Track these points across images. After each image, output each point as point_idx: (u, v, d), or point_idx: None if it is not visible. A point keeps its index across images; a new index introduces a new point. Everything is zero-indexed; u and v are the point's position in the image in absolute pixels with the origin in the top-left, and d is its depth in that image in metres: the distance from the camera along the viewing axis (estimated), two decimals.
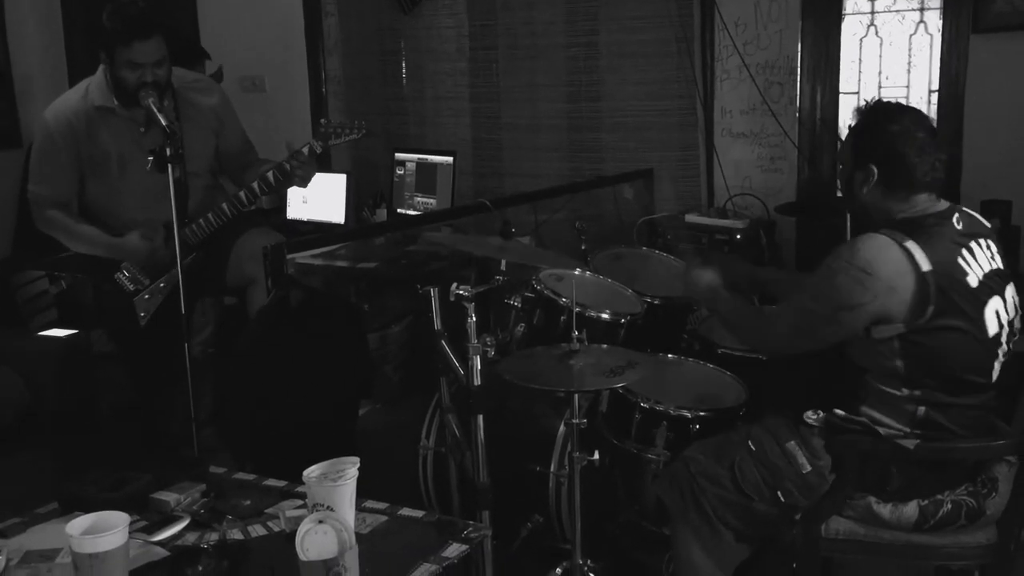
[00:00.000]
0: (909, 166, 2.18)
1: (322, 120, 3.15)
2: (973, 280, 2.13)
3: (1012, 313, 2.22)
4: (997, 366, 2.20)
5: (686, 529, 2.29)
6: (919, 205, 2.21)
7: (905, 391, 2.15)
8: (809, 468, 2.20)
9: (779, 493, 2.20)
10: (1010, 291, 2.23)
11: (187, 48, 4.61)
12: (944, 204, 2.24)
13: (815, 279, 2.22)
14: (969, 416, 2.18)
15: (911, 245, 2.09)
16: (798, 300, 2.28)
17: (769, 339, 2.40)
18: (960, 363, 2.15)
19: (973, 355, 2.16)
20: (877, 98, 2.46)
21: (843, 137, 2.40)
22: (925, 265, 2.08)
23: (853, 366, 2.22)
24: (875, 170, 2.20)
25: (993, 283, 2.17)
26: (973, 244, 2.17)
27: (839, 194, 2.49)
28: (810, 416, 2.26)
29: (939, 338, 2.10)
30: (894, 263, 2.08)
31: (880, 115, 2.25)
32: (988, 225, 2.30)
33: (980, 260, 2.16)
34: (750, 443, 2.27)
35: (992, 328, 2.16)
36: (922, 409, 2.14)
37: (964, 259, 2.14)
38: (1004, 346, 2.20)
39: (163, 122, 2.79)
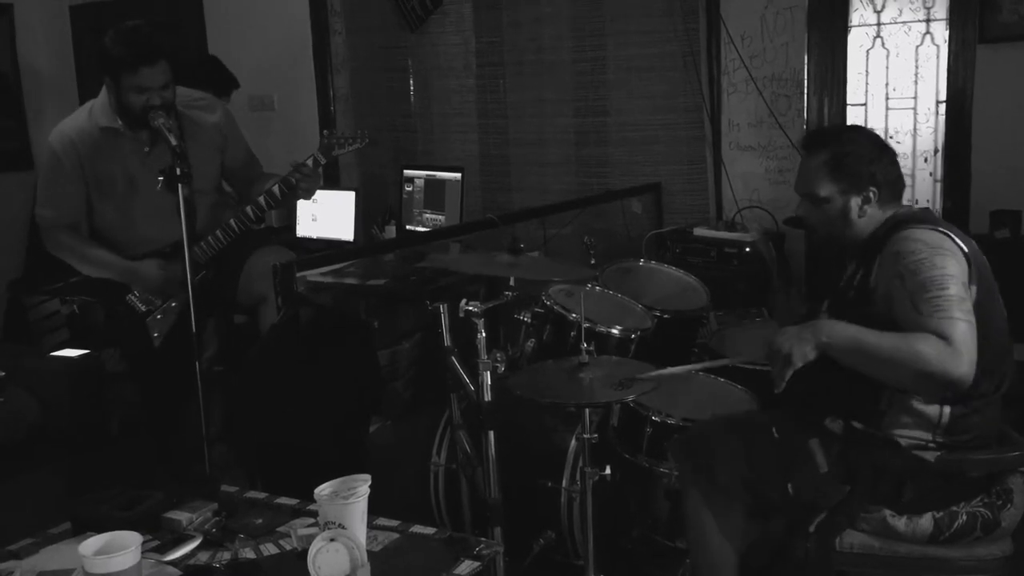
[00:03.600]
0: (894, 176, 2.25)
1: (325, 131, 3.16)
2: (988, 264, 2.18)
3: None
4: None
5: (697, 497, 2.29)
6: (901, 205, 2.27)
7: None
8: (825, 469, 2.19)
9: (789, 485, 2.20)
10: None
11: (219, 77, 4.64)
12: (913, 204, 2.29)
13: (919, 278, 2.02)
14: (988, 414, 2.17)
15: (944, 229, 2.13)
16: (933, 301, 1.98)
17: (964, 355, 1.95)
18: (997, 348, 2.16)
19: (1003, 339, 2.19)
20: (813, 130, 2.43)
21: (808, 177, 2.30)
22: (964, 246, 2.12)
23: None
24: (874, 190, 2.22)
25: None
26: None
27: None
28: (830, 423, 2.26)
29: (984, 321, 2.10)
30: (949, 243, 2.10)
31: (846, 140, 2.25)
32: None
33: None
34: (774, 429, 2.27)
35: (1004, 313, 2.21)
36: (947, 411, 2.13)
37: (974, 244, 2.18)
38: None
39: (173, 142, 2.80)
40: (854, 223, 2.25)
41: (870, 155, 2.23)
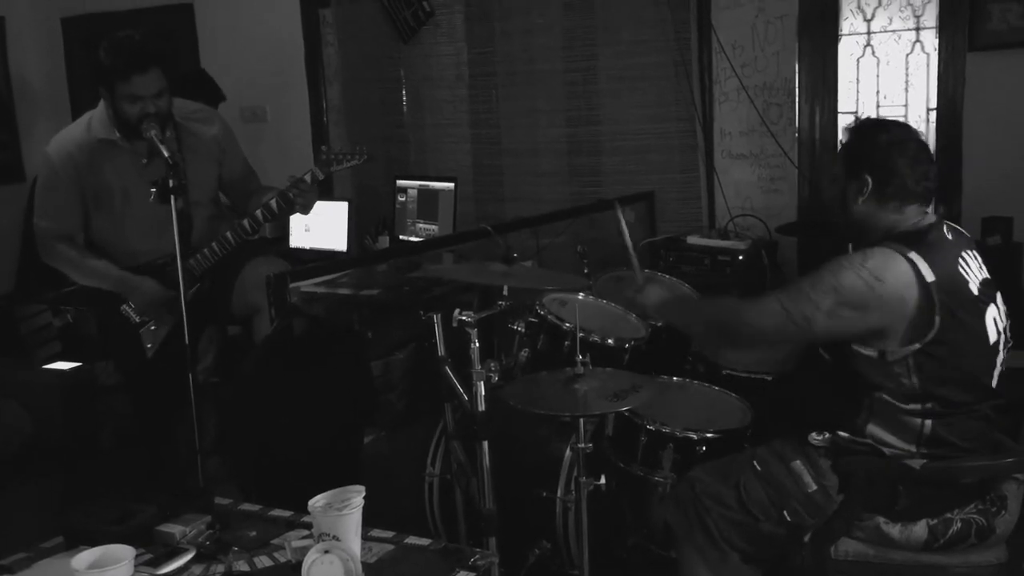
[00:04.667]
0: (901, 175, 2.21)
1: (323, 147, 3.16)
2: (973, 288, 2.16)
3: (1004, 321, 2.24)
4: (996, 374, 2.22)
5: (692, 551, 2.28)
6: (912, 216, 2.24)
7: (914, 406, 2.14)
8: (815, 487, 2.19)
9: (785, 512, 2.20)
10: (999, 299, 2.26)
11: (207, 90, 4.65)
12: (933, 216, 2.26)
13: (818, 274, 2.15)
14: (973, 428, 2.18)
15: (914, 256, 2.11)
16: (794, 289, 2.18)
17: (750, 320, 2.22)
18: (968, 373, 2.16)
19: (978, 364, 2.18)
20: (868, 116, 2.47)
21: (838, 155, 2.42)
22: (929, 276, 2.09)
23: (860, 385, 2.21)
24: (869, 180, 2.22)
25: (987, 291, 2.20)
26: (965, 253, 2.21)
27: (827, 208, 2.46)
28: (815, 437, 2.26)
29: (949, 350, 2.11)
30: (902, 274, 2.09)
31: (871, 127, 2.30)
32: (969, 236, 2.34)
33: (973, 269, 2.19)
34: (755, 463, 2.27)
35: (992, 336, 2.18)
36: (928, 424, 2.14)
37: (962, 268, 2.17)
38: (1001, 354, 2.22)
39: (165, 154, 2.80)
40: (849, 210, 2.27)
41: (880, 147, 2.23)
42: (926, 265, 2.09)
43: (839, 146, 2.37)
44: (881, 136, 2.26)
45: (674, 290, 2.68)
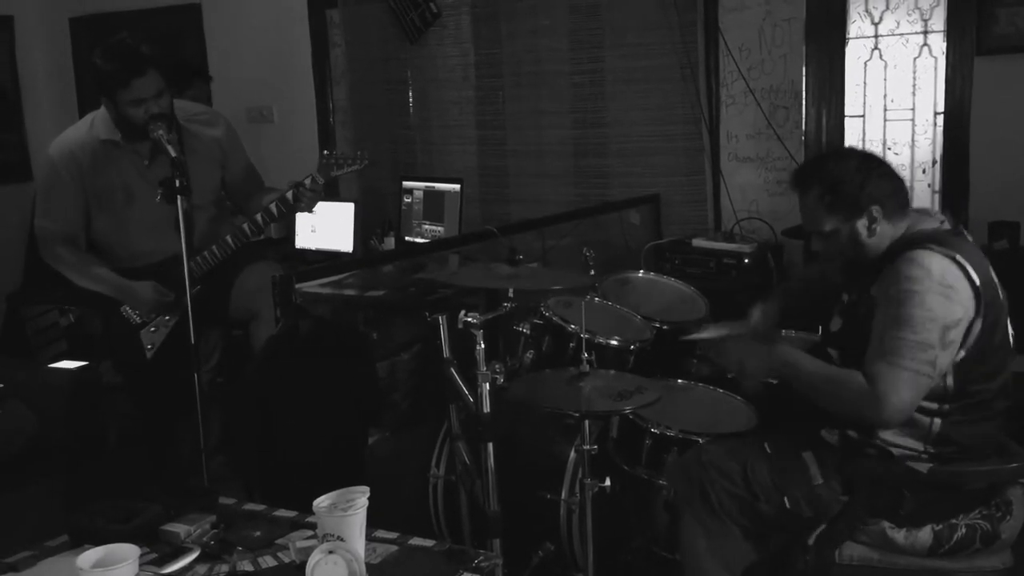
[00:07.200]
0: (890, 186, 2.24)
1: (324, 151, 3.16)
2: (1000, 292, 2.17)
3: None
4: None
5: (692, 519, 2.28)
6: (919, 219, 2.25)
7: (935, 406, 2.13)
8: (820, 481, 2.20)
9: (785, 499, 2.20)
10: None
11: (181, 70, 4.65)
12: (948, 223, 2.26)
13: (898, 315, 2.07)
14: (982, 428, 2.17)
15: (961, 260, 2.12)
16: (895, 346, 2.05)
17: (895, 408, 2.05)
18: (996, 375, 2.16)
19: (1005, 367, 2.19)
20: (798, 168, 2.44)
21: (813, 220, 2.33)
22: (976, 279, 2.11)
23: None
24: (875, 209, 2.22)
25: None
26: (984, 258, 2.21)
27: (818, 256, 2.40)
28: (826, 433, 2.26)
29: (986, 351, 2.12)
30: (960, 277, 2.10)
31: (837, 164, 2.27)
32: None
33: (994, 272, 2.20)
34: (766, 445, 2.28)
35: (1011, 339, 2.21)
36: (937, 422, 2.13)
37: (991, 271, 2.17)
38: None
39: (172, 153, 2.81)
40: (866, 244, 2.24)
41: (859, 178, 2.22)
42: (971, 268, 2.11)
43: (809, 205, 2.30)
44: (850, 165, 2.24)
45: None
